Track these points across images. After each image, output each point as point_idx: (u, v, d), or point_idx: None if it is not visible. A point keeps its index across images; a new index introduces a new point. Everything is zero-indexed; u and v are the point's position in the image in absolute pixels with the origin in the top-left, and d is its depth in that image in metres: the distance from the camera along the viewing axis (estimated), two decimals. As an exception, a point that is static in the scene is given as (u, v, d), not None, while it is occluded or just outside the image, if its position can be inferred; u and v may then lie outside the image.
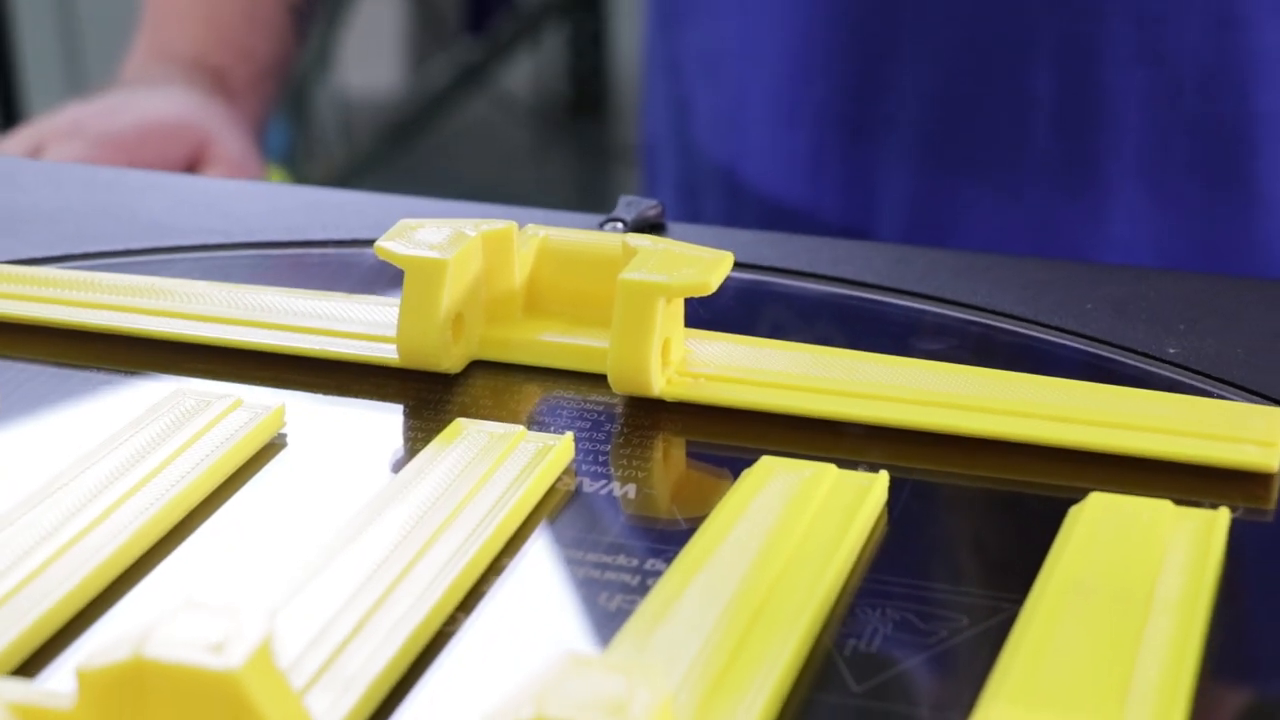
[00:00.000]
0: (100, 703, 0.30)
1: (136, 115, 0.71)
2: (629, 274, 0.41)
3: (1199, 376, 0.43)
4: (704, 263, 0.42)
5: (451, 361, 0.43)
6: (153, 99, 0.73)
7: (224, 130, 0.72)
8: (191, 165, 0.70)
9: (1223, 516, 0.37)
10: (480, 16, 2.62)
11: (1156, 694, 0.32)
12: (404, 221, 0.44)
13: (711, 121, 0.77)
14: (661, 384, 0.42)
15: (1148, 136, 0.69)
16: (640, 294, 0.41)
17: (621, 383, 0.42)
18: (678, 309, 0.42)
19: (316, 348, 0.44)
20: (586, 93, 2.63)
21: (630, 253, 0.42)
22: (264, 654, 0.30)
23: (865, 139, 0.72)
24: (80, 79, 2.21)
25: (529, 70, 2.66)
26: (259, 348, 0.44)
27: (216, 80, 0.76)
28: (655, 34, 0.80)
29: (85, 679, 0.30)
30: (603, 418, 0.42)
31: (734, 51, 0.75)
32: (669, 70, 0.79)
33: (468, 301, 0.43)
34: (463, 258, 0.43)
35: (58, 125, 0.70)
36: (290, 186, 0.55)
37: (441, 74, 2.42)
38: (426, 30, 2.48)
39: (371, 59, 2.43)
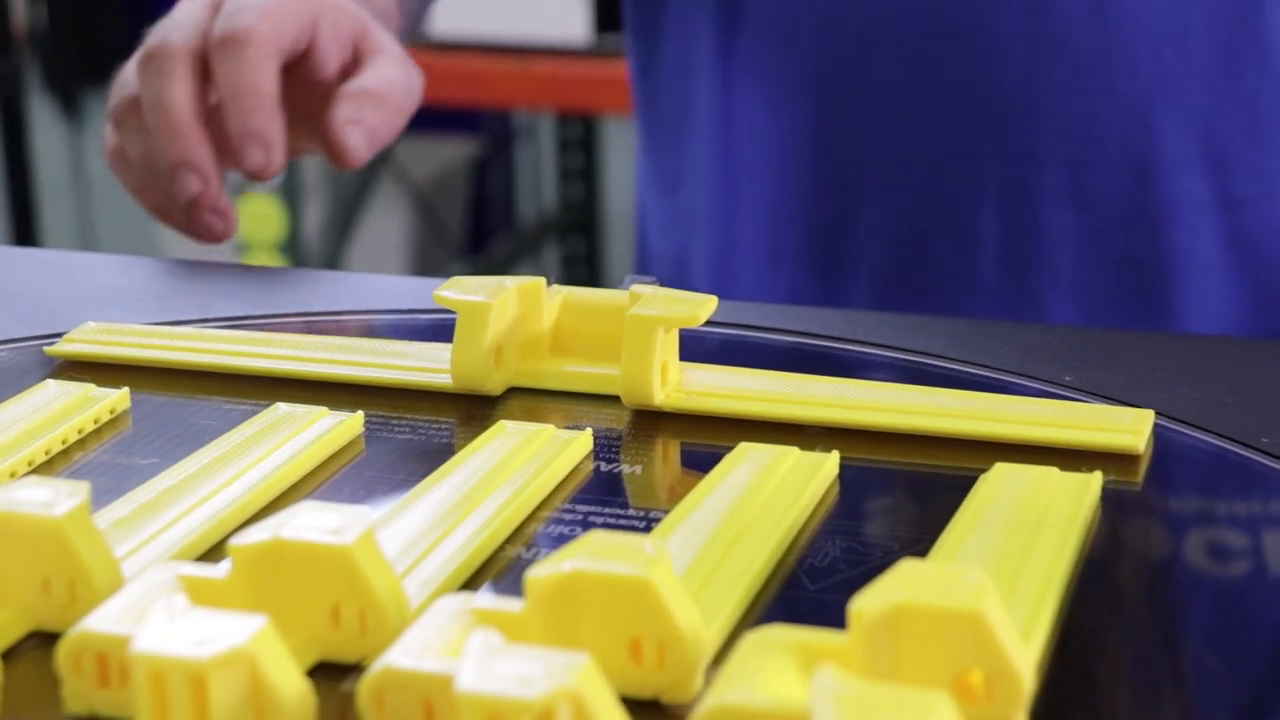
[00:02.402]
0: (248, 573, 0.41)
1: None
2: (635, 310, 0.53)
3: (1087, 395, 0.54)
4: (693, 302, 0.53)
5: (494, 385, 0.54)
6: None
7: (376, 24, 0.73)
8: (354, 52, 0.71)
9: (1096, 477, 0.48)
10: (482, 237, 2.76)
11: (1040, 583, 0.43)
12: (456, 278, 0.55)
13: (707, 269, 0.88)
14: (661, 397, 0.53)
15: (1079, 270, 0.80)
16: (644, 325, 0.53)
17: (630, 396, 0.53)
18: (674, 338, 0.54)
19: (387, 377, 0.56)
20: (581, 306, 2.76)
21: (635, 298, 0.54)
22: (369, 537, 0.41)
23: (836, 275, 0.83)
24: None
25: (527, 285, 2.79)
26: (340, 379, 0.56)
27: None
28: (649, 197, 0.92)
29: (236, 554, 0.41)
30: (615, 424, 0.53)
31: (723, 207, 0.87)
32: (666, 229, 0.91)
33: (506, 338, 0.55)
34: (502, 302, 0.54)
35: None
36: (353, 274, 0.66)
37: (445, 287, 2.55)
38: (431, 247, 2.62)
39: (378, 271, 2.57)
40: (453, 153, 2.78)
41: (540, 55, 2.23)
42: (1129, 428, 0.51)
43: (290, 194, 2.32)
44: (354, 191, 2.46)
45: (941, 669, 0.37)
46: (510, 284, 0.55)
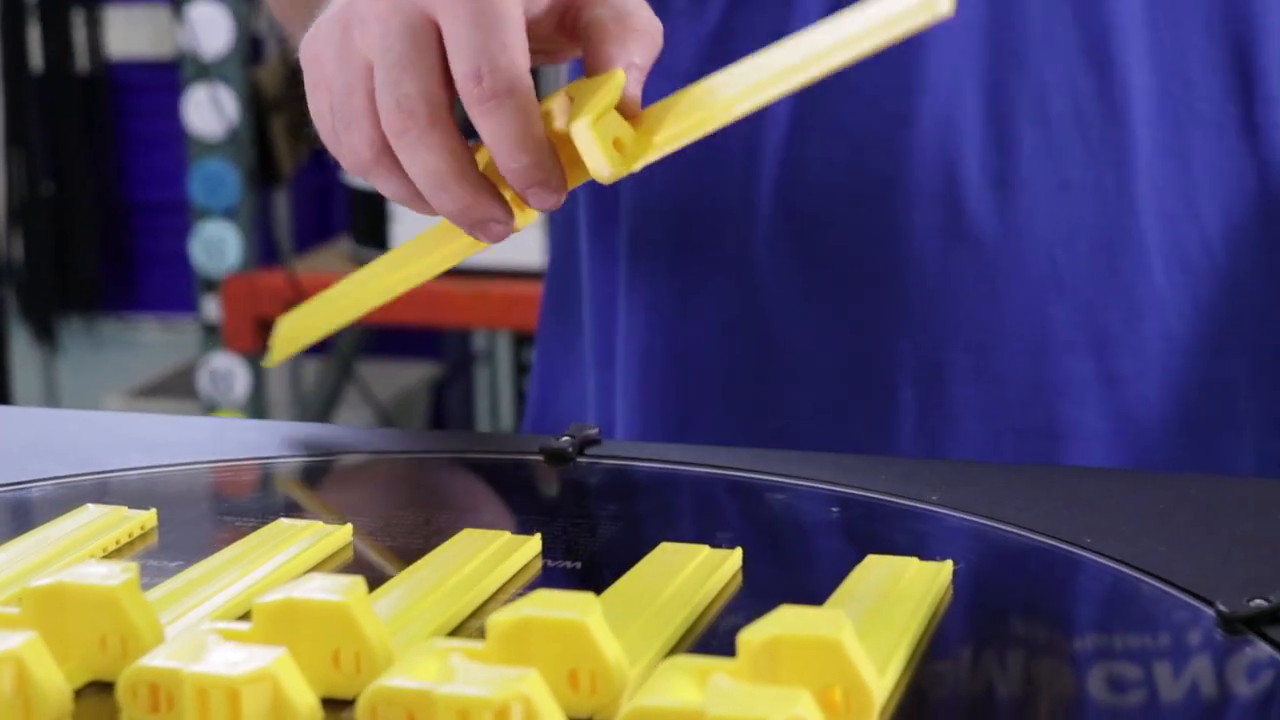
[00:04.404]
0: (267, 625, 0.52)
1: None
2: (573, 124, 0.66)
3: (949, 509, 0.66)
4: (605, 85, 0.67)
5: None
6: None
7: None
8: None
9: (948, 565, 0.60)
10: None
11: (895, 636, 0.54)
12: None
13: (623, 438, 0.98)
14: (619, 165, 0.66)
15: (983, 439, 0.90)
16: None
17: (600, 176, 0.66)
18: (612, 120, 0.66)
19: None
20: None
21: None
22: (363, 597, 0.52)
23: (756, 441, 0.94)
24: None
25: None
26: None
27: None
28: (565, 384, 1.02)
29: (258, 610, 0.52)
30: (565, 527, 0.64)
31: (640, 384, 0.97)
32: (578, 407, 1.02)
33: None
34: None
35: None
36: (347, 426, 0.78)
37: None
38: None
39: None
40: (415, 374, 2.91)
41: (497, 278, 2.37)
42: None
43: (257, 408, 2.44)
44: (319, 408, 2.58)
45: (810, 685, 0.48)
46: None
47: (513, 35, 0.66)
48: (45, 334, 3.11)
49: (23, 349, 3.09)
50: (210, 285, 2.56)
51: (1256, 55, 0.86)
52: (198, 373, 2.58)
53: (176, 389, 2.90)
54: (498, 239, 0.69)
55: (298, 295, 2.42)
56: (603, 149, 0.65)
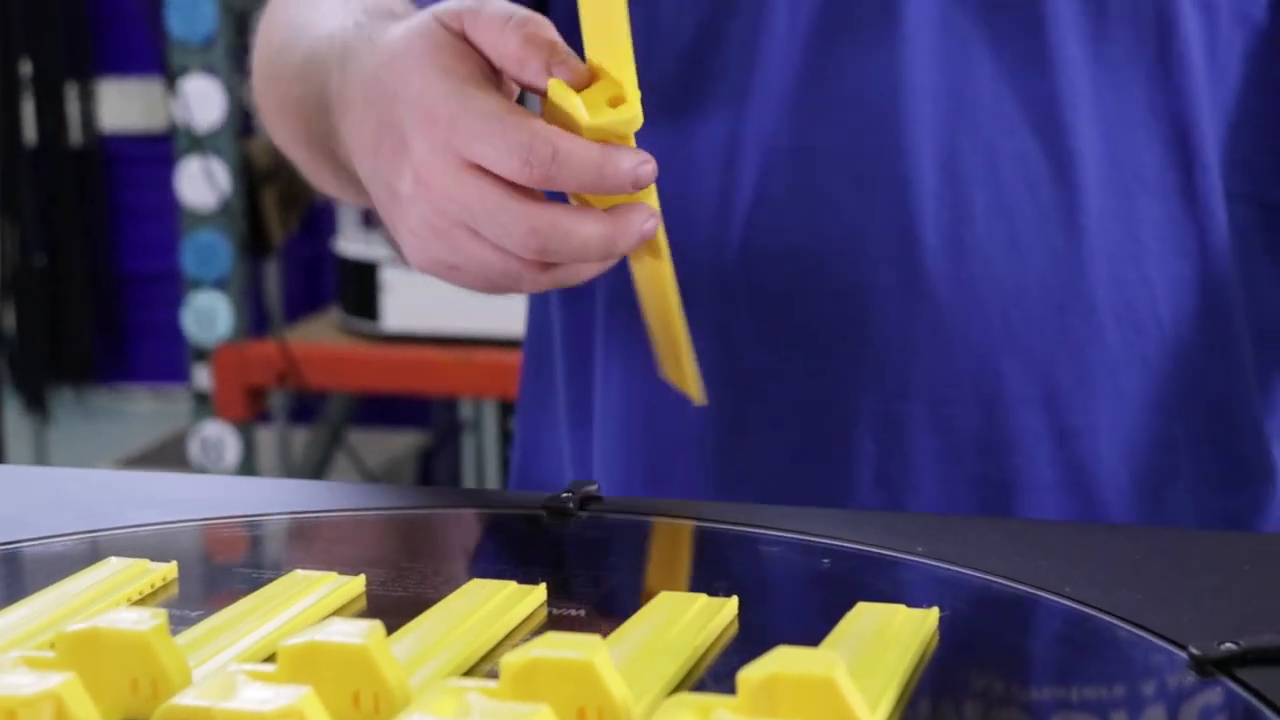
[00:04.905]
0: (291, 667, 0.54)
1: None
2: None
3: (934, 560, 0.69)
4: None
5: None
6: None
7: None
8: None
9: (934, 612, 0.63)
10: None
11: (886, 676, 0.57)
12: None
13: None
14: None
15: (940, 488, 0.93)
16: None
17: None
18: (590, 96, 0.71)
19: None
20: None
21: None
22: (382, 640, 0.55)
23: (724, 492, 0.97)
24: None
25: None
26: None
27: None
28: (544, 433, 1.05)
29: (282, 652, 0.55)
30: (566, 579, 0.67)
31: (621, 437, 1.00)
32: (557, 460, 1.05)
33: None
34: None
35: None
36: (347, 482, 0.81)
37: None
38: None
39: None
40: (404, 443, 2.94)
41: (483, 347, 2.40)
42: None
43: (248, 475, 2.46)
44: (309, 476, 2.61)
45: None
46: None
47: (515, 116, 0.72)
48: (37, 404, 3.14)
49: (14, 419, 3.11)
50: (201, 355, 2.59)
51: (1193, 127, 0.91)
52: (189, 441, 2.61)
53: (167, 458, 2.93)
54: (654, 231, 0.75)
55: (288, 365, 2.45)
56: (612, 118, 0.71)
